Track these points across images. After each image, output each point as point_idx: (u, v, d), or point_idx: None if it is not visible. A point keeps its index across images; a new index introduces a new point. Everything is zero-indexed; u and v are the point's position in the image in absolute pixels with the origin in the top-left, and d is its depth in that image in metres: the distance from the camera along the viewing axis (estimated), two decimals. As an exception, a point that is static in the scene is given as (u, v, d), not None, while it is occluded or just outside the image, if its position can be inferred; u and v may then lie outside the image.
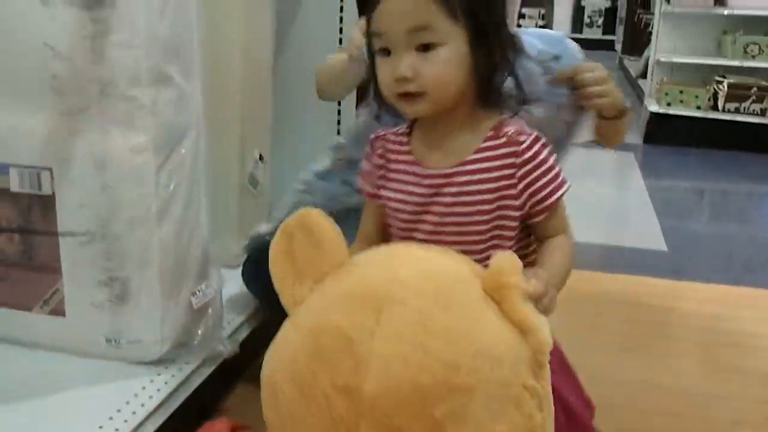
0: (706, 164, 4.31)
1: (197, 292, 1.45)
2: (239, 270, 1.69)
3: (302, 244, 0.86)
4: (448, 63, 0.93)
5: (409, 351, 0.71)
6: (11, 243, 1.41)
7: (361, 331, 0.73)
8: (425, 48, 0.92)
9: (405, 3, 0.91)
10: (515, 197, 0.98)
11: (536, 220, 1.00)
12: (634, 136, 4.74)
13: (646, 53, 5.32)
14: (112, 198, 1.33)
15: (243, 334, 1.62)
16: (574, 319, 2.31)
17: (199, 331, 1.46)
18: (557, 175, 1.00)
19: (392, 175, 1.05)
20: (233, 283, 1.71)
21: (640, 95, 5.22)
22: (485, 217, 0.98)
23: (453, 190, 0.98)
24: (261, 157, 1.93)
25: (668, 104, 4.48)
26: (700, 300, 2.48)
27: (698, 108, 4.42)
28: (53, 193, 1.35)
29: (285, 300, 0.86)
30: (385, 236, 1.09)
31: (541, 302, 0.84)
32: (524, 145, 0.98)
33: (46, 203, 1.36)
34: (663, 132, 4.52)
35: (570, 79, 1.26)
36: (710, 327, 2.27)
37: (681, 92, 4.47)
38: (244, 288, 1.71)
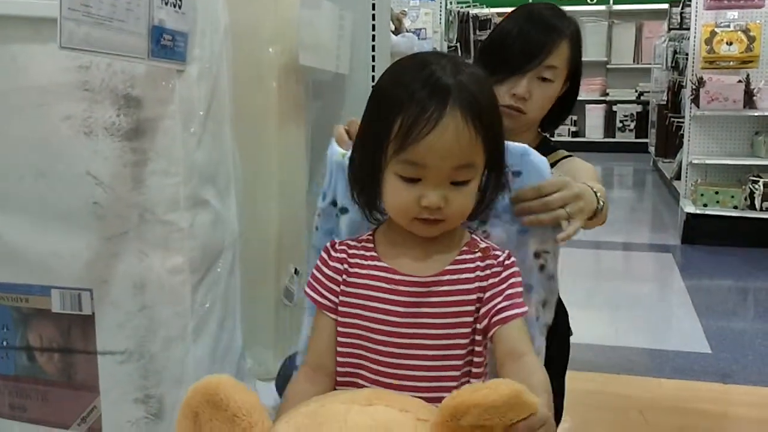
0: (746, 263, 4.26)
1: (231, 409, 1.46)
2: (273, 383, 1.71)
3: (211, 421, 0.81)
4: (473, 194, 0.98)
5: None
6: (51, 362, 1.45)
7: None
8: (459, 182, 0.95)
9: (458, 140, 0.92)
10: (481, 308, 0.99)
11: (497, 329, 0.98)
12: (671, 236, 4.73)
13: (679, 156, 5.36)
14: (149, 318, 1.37)
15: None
16: (622, 427, 2.28)
17: (233, 448, 1.47)
18: (520, 295, 1.00)
19: (357, 281, 1.01)
20: (269, 396, 1.72)
21: (675, 196, 5.22)
22: (467, 330, 0.99)
23: (436, 300, 0.98)
24: (296, 271, 1.97)
25: (704, 205, 4.48)
26: (750, 404, 2.42)
27: (735, 207, 4.42)
28: (93, 313, 1.40)
29: None
30: (332, 363, 1.02)
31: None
32: (499, 260, 1.01)
33: (86, 323, 1.41)
34: (700, 232, 4.51)
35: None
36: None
37: (716, 192, 4.47)
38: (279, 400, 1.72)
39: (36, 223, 1.40)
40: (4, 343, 1.48)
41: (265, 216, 1.84)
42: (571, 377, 2.19)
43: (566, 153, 1.50)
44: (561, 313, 1.69)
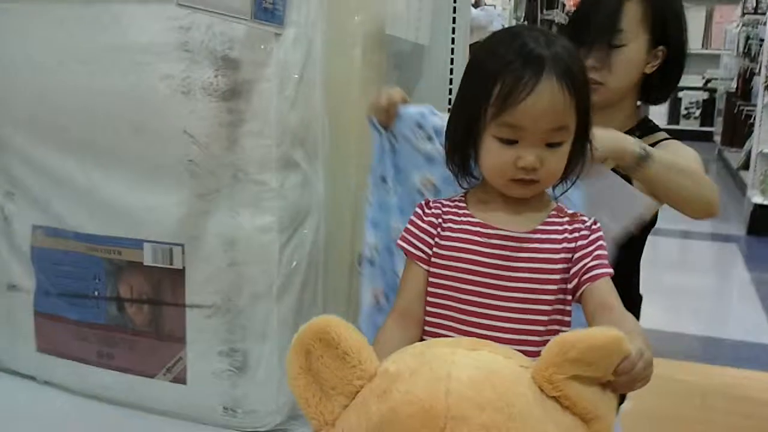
0: (814, 256, 4.17)
1: (310, 367, 1.50)
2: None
3: (322, 358, 0.82)
4: (565, 156, 1.00)
5: None
6: (140, 313, 1.51)
7: None
8: (553, 144, 0.98)
9: (554, 103, 0.95)
10: (570, 269, 1.01)
11: (587, 287, 0.99)
12: (737, 227, 4.64)
13: (747, 144, 5.24)
14: (237, 274, 1.41)
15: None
16: (684, 412, 2.27)
17: (310, 405, 1.51)
18: (606, 258, 1.02)
19: (451, 235, 1.04)
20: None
21: (741, 187, 5.11)
22: (554, 287, 1.00)
23: (526, 255, 1.00)
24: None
25: (773, 195, 4.39)
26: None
27: (804, 199, 4.31)
28: (183, 267, 1.45)
29: (311, 420, 0.82)
30: (424, 307, 1.04)
31: (636, 367, 0.80)
32: (587, 224, 1.03)
33: (176, 277, 1.46)
34: (767, 223, 4.41)
35: None
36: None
37: (786, 183, 4.37)
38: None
39: (131, 179, 1.46)
40: (96, 293, 1.55)
41: (343, 182, 1.87)
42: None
43: (666, 135, 1.47)
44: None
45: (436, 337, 1.04)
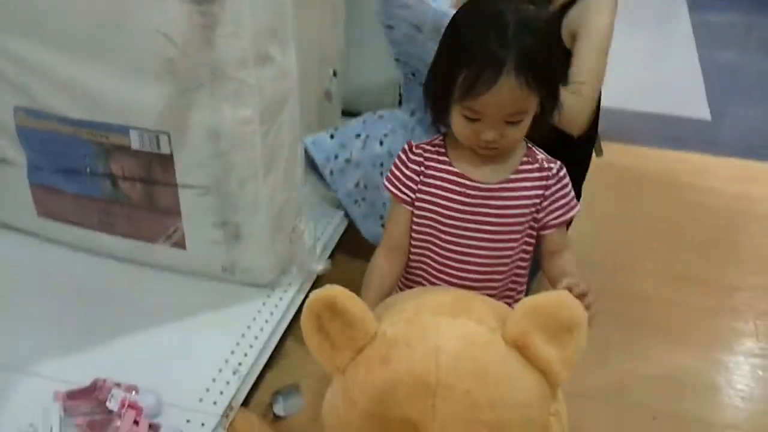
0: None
1: (295, 228, 1.69)
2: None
3: (332, 322, 0.98)
4: (527, 125, 1.11)
5: (464, 426, 0.93)
6: (134, 190, 1.64)
7: (424, 416, 0.93)
8: (514, 121, 1.08)
9: (511, 98, 1.04)
10: (537, 213, 1.18)
11: (548, 232, 1.20)
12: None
13: None
14: (225, 161, 1.53)
15: (329, 250, 1.88)
16: (620, 201, 2.52)
17: (298, 257, 1.72)
18: (572, 198, 1.20)
19: (432, 182, 1.18)
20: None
21: None
22: (520, 228, 1.18)
23: (498, 203, 1.16)
24: (335, 73, 2.09)
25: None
26: (731, 178, 2.66)
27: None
28: (171, 153, 1.56)
29: (327, 368, 1.01)
30: (409, 241, 1.21)
31: (586, 299, 1.03)
32: (554, 171, 1.18)
33: (165, 160, 1.57)
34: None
35: None
36: (739, 210, 2.47)
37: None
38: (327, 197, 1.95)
39: (113, 72, 1.50)
40: (88, 170, 1.65)
41: (310, 30, 1.91)
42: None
43: None
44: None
45: (420, 265, 1.23)
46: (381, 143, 1.85)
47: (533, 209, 1.18)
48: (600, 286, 2.04)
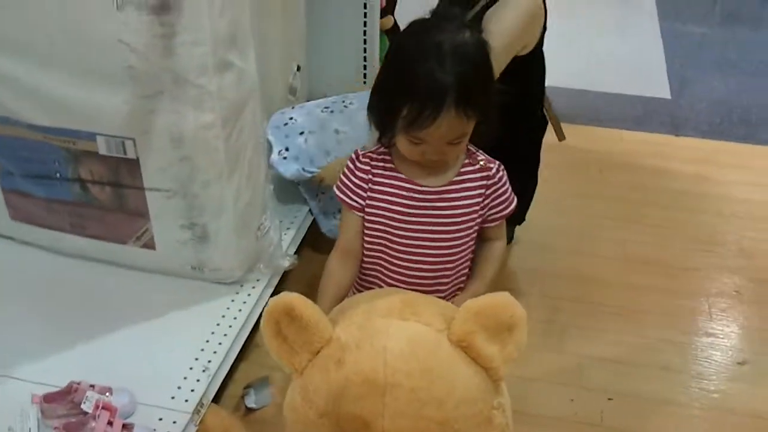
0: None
1: (261, 226, 1.74)
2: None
3: (290, 327, 1.04)
4: (466, 142, 1.18)
5: (412, 422, 1.00)
6: (103, 193, 1.68)
7: (374, 414, 1.00)
8: (455, 142, 1.16)
9: (452, 129, 1.12)
10: (482, 210, 1.26)
11: (489, 225, 1.30)
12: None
13: None
14: (189, 165, 1.58)
15: (295, 246, 1.94)
16: (581, 185, 2.59)
17: (265, 254, 1.78)
18: (511, 194, 1.29)
19: (381, 189, 1.24)
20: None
21: None
22: (466, 227, 1.26)
23: (444, 204, 1.23)
24: (298, 68, 2.13)
25: None
26: (690, 160, 2.74)
27: None
28: (137, 157, 1.60)
29: (287, 369, 1.09)
30: (361, 245, 1.28)
31: None
32: (493, 171, 1.26)
33: (132, 165, 1.61)
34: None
35: None
36: (698, 192, 2.55)
37: None
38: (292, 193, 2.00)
39: (77, 80, 1.54)
40: (58, 175, 1.70)
41: (271, 27, 1.95)
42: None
43: None
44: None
45: (374, 267, 1.29)
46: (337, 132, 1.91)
47: (477, 208, 1.25)
48: (558, 270, 2.16)
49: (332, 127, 1.93)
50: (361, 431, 1.02)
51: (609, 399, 1.76)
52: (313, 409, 1.06)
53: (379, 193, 1.24)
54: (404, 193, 1.23)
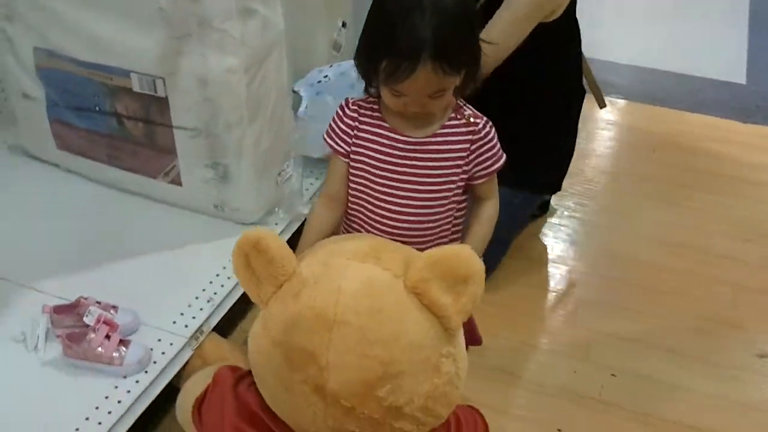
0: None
1: (282, 172, 1.80)
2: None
3: (257, 259, 1.08)
4: (449, 96, 1.19)
5: (356, 359, 1.03)
6: (137, 128, 1.78)
7: (320, 347, 1.03)
8: (437, 95, 1.17)
9: (427, 84, 1.13)
10: (466, 165, 1.27)
11: (477, 182, 1.30)
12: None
13: None
14: (212, 107, 1.65)
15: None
16: (629, 161, 2.54)
17: (285, 200, 1.84)
18: (499, 150, 1.29)
19: (366, 137, 1.27)
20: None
21: None
22: (448, 180, 1.27)
23: (426, 156, 1.25)
24: (344, 24, 2.17)
25: None
26: (754, 146, 2.63)
27: None
28: (166, 96, 1.68)
29: (254, 300, 1.13)
30: (347, 192, 1.31)
31: None
32: (479, 126, 1.26)
33: (162, 103, 1.70)
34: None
35: None
36: (753, 181, 2.46)
37: None
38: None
39: (114, 18, 1.63)
40: (97, 108, 1.80)
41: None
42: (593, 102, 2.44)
43: None
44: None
45: (358, 214, 1.33)
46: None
47: (460, 162, 1.26)
48: (589, 244, 2.14)
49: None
50: (307, 363, 1.06)
51: (612, 375, 1.74)
52: (268, 339, 1.11)
53: (363, 140, 1.28)
54: (386, 141, 1.26)
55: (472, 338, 1.52)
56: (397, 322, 1.06)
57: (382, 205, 1.29)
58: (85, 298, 1.51)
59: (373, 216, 1.30)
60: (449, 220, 1.32)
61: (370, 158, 1.27)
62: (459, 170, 1.27)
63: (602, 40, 2.98)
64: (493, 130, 1.28)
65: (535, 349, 1.82)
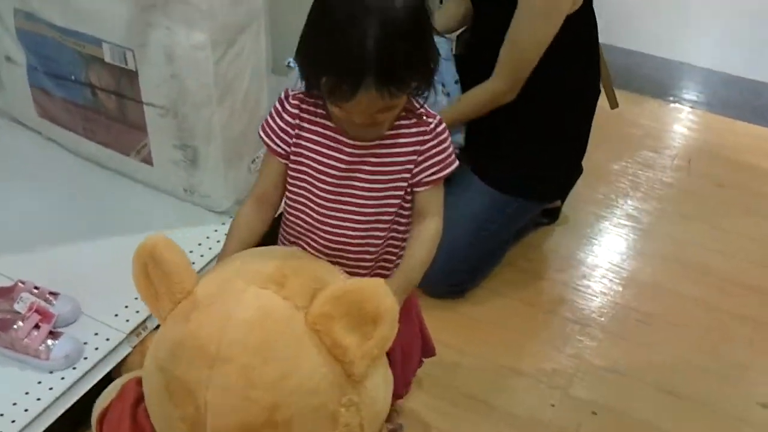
0: None
1: (256, 159, 1.68)
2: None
3: (155, 270, 0.97)
4: (399, 108, 1.05)
5: (236, 401, 0.91)
6: (110, 101, 1.68)
7: (198, 384, 0.92)
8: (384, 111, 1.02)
9: (370, 106, 0.99)
10: (414, 168, 1.11)
11: (421, 189, 1.13)
12: None
13: None
14: (179, 84, 1.53)
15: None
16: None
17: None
18: (451, 155, 1.13)
19: (308, 136, 1.12)
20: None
21: None
22: (396, 186, 1.12)
23: (375, 160, 1.10)
24: None
25: None
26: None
27: None
28: (136, 69, 1.58)
29: (153, 314, 1.03)
30: (280, 195, 1.17)
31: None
32: (431, 126, 1.10)
33: (132, 77, 1.59)
34: None
35: None
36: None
37: None
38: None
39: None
40: (72, 77, 1.71)
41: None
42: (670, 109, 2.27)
43: None
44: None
45: (297, 217, 1.18)
46: None
47: (409, 166, 1.11)
48: (596, 262, 1.95)
49: None
50: (186, 399, 0.95)
51: (593, 413, 1.58)
52: (155, 362, 1.00)
53: (305, 141, 1.13)
54: (332, 144, 1.11)
55: (426, 349, 1.38)
56: (288, 361, 0.93)
57: (325, 212, 1.14)
58: (23, 283, 1.42)
59: (314, 224, 1.16)
60: (394, 236, 1.18)
61: (313, 161, 1.13)
62: (408, 174, 1.12)
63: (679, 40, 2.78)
64: (447, 131, 1.12)
65: (515, 374, 1.66)
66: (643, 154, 2.40)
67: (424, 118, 1.10)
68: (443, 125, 1.12)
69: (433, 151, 1.11)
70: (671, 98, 2.67)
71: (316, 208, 1.15)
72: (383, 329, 0.92)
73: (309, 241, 1.18)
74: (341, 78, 0.97)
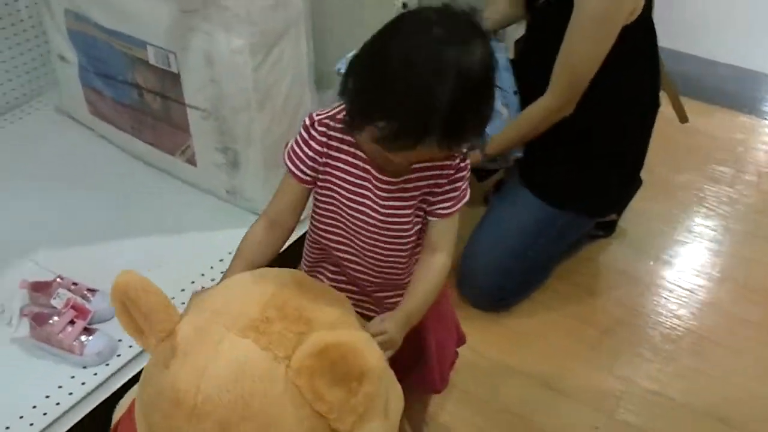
0: None
1: (299, 164, 1.66)
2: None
3: (134, 309, 0.92)
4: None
5: None
6: (155, 102, 1.69)
7: None
8: None
9: (428, 153, 0.95)
10: (431, 198, 1.07)
11: (434, 219, 1.08)
12: None
13: None
14: (218, 88, 1.53)
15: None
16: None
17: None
18: (465, 189, 1.08)
19: (338, 165, 1.07)
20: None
21: None
22: (419, 214, 1.08)
23: (401, 195, 1.06)
24: (404, 6, 1.98)
25: None
26: None
27: None
28: (178, 72, 1.58)
29: (141, 347, 0.96)
30: (295, 220, 1.13)
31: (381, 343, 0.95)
32: (455, 161, 1.05)
33: (175, 79, 1.60)
34: None
35: None
36: None
37: None
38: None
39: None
40: (120, 78, 1.73)
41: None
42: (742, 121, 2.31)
43: None
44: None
45: (329, 237, 1.15)
46: None
47: (430, 198, 1.07)
48: (652, 280, 1.86)
49: None
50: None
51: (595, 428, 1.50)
52: (140, 401, 0.96)
53: (335, 170, 1.07)
54: (363, 174, 1.06)
55: (457, 338, 1.34)
56: (267, 419, 0.86)
57: (366, 245, 1.11)
58: (62, 278, 1.44)
59: (346, 242, 1.13)
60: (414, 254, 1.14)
61: (342, 189, 1.07)
62: (425, 204, 1.08)
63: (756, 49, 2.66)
64: (468, 167, 1.07)
65: (558, 393, 1.59)
66: (710, 168, 2.27)
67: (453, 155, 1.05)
68: (467, 162, 1.07)
69: (453, 186, 1.06)
70: (745, 109, 2.53)
71: (349, 235, 1.12)
72: (368, 387, 0.86)
73: (334, 265, 1.16)
74: (406, 128, 0.91)
